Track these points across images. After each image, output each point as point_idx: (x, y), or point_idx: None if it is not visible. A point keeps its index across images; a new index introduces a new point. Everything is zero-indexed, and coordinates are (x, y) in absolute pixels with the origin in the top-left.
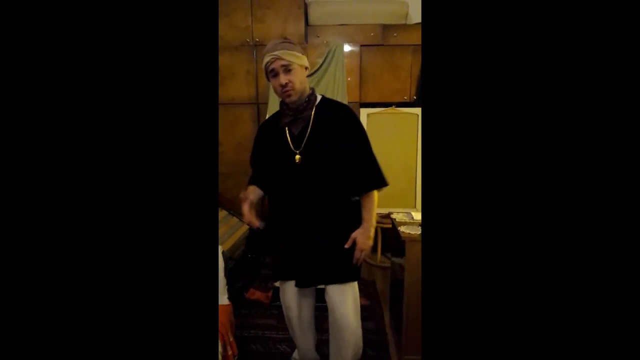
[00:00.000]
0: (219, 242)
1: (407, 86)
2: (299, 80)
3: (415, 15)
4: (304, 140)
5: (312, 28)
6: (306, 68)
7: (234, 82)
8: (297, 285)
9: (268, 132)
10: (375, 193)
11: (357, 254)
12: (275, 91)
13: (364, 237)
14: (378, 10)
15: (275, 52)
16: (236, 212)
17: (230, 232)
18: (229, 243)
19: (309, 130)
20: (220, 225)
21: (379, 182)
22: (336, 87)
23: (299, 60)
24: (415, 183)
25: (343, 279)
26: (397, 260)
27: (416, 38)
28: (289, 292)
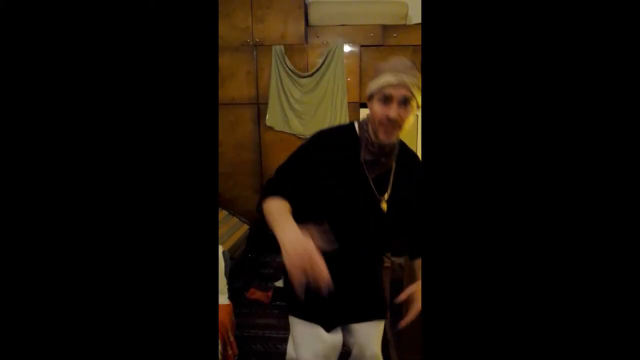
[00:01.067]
0: (219, 242)
1: None
2: (409, 122)
3: (415, 15)
4: (388, 189)
5: (312, 28)
6: (418, 107)
7: (234, 82)
8: (327, 326)
9: (335, 154)
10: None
11: (417, 307)
12: (372, 119)
13: (419, 293)
14: (378, 11)
15: (405, 78)
16: (236, 212)
17: (231, 232)
18: (229, 243)
19: (392, 180)
20: (220, 225)
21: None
22: (336, 87)
23: (418, 97)
24: None
25: (379, 316)
26: (397, 260)
27: (416, 38)
28: (319, 339)
